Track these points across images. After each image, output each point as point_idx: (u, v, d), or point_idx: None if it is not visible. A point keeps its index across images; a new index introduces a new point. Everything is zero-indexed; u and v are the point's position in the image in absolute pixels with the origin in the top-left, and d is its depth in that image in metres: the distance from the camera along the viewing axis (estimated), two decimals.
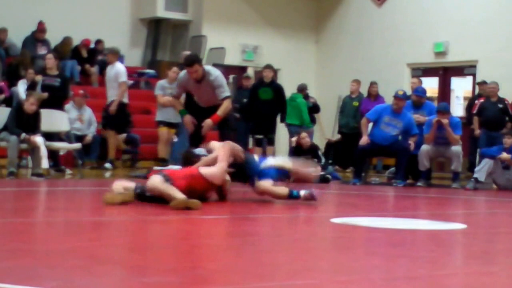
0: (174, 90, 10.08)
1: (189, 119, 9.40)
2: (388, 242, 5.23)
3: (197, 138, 9.29)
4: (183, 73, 9.44)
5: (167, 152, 13.89)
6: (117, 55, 14.00)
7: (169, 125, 13.77)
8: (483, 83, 15.39)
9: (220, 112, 9.16)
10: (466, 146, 14.57)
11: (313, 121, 17.21)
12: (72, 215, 6.52)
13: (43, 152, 10.85)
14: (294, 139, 12.70)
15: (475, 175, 11.40)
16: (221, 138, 8.75)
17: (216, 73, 9.20)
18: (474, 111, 14.64)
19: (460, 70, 18.14)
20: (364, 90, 16.75)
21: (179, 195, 6.74)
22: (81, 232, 5.32)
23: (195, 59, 9.18)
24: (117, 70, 13.57)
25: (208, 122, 9.16)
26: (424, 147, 11.74)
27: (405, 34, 18.54)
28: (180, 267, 3.93)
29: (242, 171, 7.54)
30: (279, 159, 8.03)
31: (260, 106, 13.94)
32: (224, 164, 7.22)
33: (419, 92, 12.61)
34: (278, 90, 14.21)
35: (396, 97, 11.81)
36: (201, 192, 7.15)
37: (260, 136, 14.13)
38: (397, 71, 18.53)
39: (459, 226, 6.34)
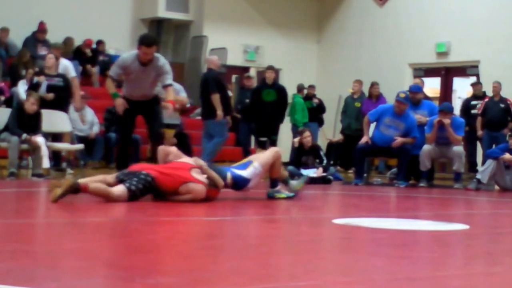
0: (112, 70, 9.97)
1: (121, 101, 9.55)
2: (390, 243, 5.22)
3: (129, 123, 9.70)
4: (129, 53, 9.48)
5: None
6: (60, 50, 13.72)
7: (167, 126, 13.68)
8: (478, 83, 15.42)
9: (171, 97, 9.35)
10: (465, 147, 14.58)
11: (318, 121, 17.20)
12: (72, 216, 6.51)
13: (44, 152, 10.86)
14: (296, 139, 12.69)
15: (477, 176, 11.38)
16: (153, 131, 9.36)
17: (165, 60, 9.42)
18: (479, 112, 14.63)
19: (462, 70, 18.13)
20: (365, 91, 16.77)
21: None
22: (81, 233, 5.31)
23: (156, 40, 9.28)
24: (64, 67, 13.29)
25: (168, 105, 9.33)
26: (426, 147, 11.73)
27: (407, 34, 18.55)
28: (182, 268, 3.92)
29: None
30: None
31: (264, 108, 13.87)
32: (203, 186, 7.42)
33: (413, 88, 12.60)
34: (281, 91, 14.19)
35: (398, 100, 11.79)
36: (164, 190, 7.38)
37: (264, 138, 14.06)
38: (399, 72, 18.54)
39: (461, 226, 6.33)
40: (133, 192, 7.30)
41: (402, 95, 11.88)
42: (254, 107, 14.17)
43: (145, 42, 9.04)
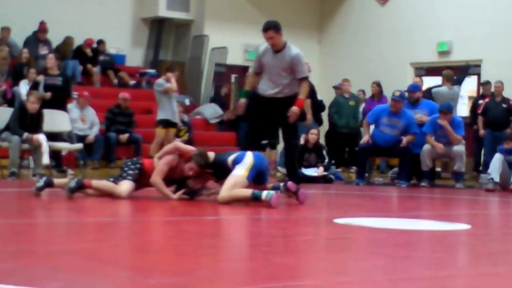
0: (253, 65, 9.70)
1: (241, 102, 9.14)
2: (392, 243, 5.23)
3: (259, 124, 9.23)
4: (265, 44, 9.18)
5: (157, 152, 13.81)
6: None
7: (169, 124, 13.65)
8: (487, 83, 15.41)
9: (302, 95, 8.79)
10: (470, 146, 14.58)
11: (318, 121, 17.16)
12: (74, 216, 6.53)
13: (45, 148, 10.85)
14: (302, 136, 12.69)
15: (491, 176, 11.30)
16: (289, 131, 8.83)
17: (298, 51, 8.86)
18: (479, 111, 14.65)
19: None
20: (367, 90, 16.77)
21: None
22: (84, 233, 5.33)
23: (271, 24, 8.82)
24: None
25: (294, 109, 8.70)
26: (426, 147, 11.73)
27: (409, 33, 18.55)
28: (185, 268, 3.93)
29: (217, 171, 7.72)
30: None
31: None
32: (157, 173, 7.66)
33: (411, 87, 12.62)
34: None
35: (393, 99, 11.86)
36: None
37: (265, 142, 13.96)
38: (401, 71, 18.53)
39: (463, 226, 6.35)
40: (134, 179, 7.68)
41: (397, 93, 11.96)
42: (252, 110, 13.98)
43: (262, 28, 8.92)
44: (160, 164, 7.67)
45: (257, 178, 7.68)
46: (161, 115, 13.60)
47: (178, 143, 8.04)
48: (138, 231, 5.54)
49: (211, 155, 7.77)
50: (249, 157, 7.68)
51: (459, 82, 14.67)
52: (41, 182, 7.77)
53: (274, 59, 8.88)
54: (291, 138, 9.02)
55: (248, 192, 7.39)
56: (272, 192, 7.34)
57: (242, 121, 15.43)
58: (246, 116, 14.72)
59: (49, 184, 7.78)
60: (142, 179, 7.74)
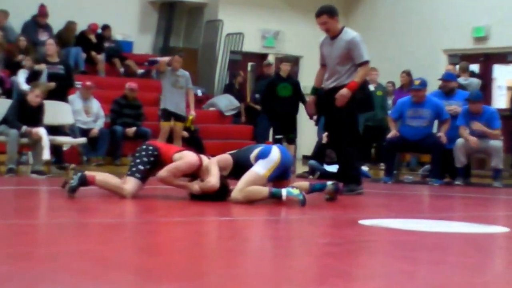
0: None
1: (311, 101, 9.14)
2: (422, 247, 5.23)
3: (329, 122, 9.05)
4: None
5: None
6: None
7: (171, 116, 13.61)
8: None
9: (357, 78, 8.71)
10: (509, 140, 14.53)
11: None
12: (77, 216, 6.57)
13: (45, 142, 10.88)
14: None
15: None
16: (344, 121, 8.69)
17: (356, 34, 8.85)
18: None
19: (503, 57, 18.05)
20: (396, 80, 16.74)
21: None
22: (87, 234, 5.36)
23: (325, 9, 8.82)
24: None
25: (343, 91, 8.66)
26: (460, 141, 11.69)
27: (442, 18, 18.50)
28: (196, 272, 3.96)
29: (239, 172, 7.62)
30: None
31: (279, 103, 13.75)
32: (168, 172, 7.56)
33: (446, 76, 12.59)
34: (297, 85, 14.14)
35: (413, 89, 11.89)
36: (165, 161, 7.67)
37: (280, 136, 13.97)
38: (433, 58, 18.50)
39: (500, 229, 6.33)
40: (143, 177, 7.60)
41: (417, 81, 12.03)
42: (268, 102, 14.03)
43: (315, 13, 8.93)
44: (177, 166, 7.53)
45: (281, 174, 7.67)
46: (161, 104, 13.60)
47: (214, 161, 7.70)
48: (145, 232, 5.57)
49: (228, 160, 7.68)
50: (275, 153, 7.54)
51: None
52: (75, 180, 7.47)
53: (331, 46, 8.90)
54: (344, 131, 8.87)
55: (264, 190, 7.39)
56: (294, 191, 7.33)
57: (262, 114, 15.42)
58: (265, 109, 14.79)
59: (83, 182, 7.53)
60: (158, 168, 7.72)
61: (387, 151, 12.13)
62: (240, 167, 7.59)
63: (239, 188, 7.41)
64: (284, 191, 7.35)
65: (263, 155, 7.52)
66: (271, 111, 13.97)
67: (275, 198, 7.38)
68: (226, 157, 7.67)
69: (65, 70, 12.72)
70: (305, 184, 8.04)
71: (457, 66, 14.80)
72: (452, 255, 4.97)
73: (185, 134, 14.48)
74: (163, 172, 7.53)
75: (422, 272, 4.21)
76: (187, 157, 7.56)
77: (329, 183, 7.93)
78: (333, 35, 8.87)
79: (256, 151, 7.57)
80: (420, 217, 7.22)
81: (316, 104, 9.20)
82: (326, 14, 8.78)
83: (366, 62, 8.82)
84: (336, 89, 8.75)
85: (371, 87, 16.38)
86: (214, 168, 7.49)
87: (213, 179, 7.42)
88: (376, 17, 19.84)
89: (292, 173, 8.99)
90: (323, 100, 9.05)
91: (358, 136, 9.17)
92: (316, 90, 9.22)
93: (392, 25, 19.44)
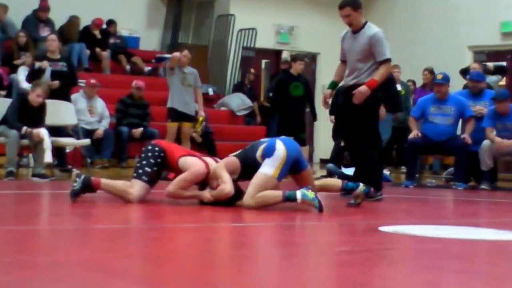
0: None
1: (327, 94, 9.10)
2: (446, 255, 5.22)
3: (346, 121, 9.01)
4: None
5: None
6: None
7: (179, 116, 13.57)
8: None
9: (377, 76, 8.68)
10: None
11: None
12: (80, 222, 6.57)
13: (47, 144, 10.87)
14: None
15: None
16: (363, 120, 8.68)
17: (378, 30, 8.88)
18: None
19: None
20: (418, 78, 16.69)
21: None
22: (91, 242, 5.36)
23: (348, 1, 8.86)
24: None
25: (361, 88, 8.63)
26: (486, 143, 11.66)
27: (467, 12, 18.45)
28: (205, 281, 3.95)
29: (248, 172, 7.59)
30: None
31: (291, 103, 13.70)
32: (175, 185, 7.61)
33: (475, 76, 12.56)
34: (308, 84, 14.13)
35: (436, 83, 11.89)
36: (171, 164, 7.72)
37: (290, 137, 13.93)
38: (457, 55, 18.45)
39: None
40: (149, 180, 7.59)
41: (440, 76, 12.07)
42: (280, 102, 13.96)
43: (338, 5, 8.93)
44: (184, 178, 7.54)
45: (293, 167, 7.63)
46: (168, 103, 13.54)
47: (222, 166, 7.68)
48: (152, 240, 5.57)
49: (236, 163, 7.62)
50: (280, 149, 7.45)
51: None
52: (78, 183, 7.46)
53: (352, 41, 8.90)
54: (363, 132, 8.82)
55: (278, 195, 7.37)
56: (310, 194, 7.30)
57: (275, 114, 15.39)
58: (278, 109, 14.77)
59: (87, 186, 7.51)
60: (165, 170, 7.73)
61: (409, 153, 12.09)
62: (249, 168, 7.55)
63: (251, 194, 7.39)
64: (299, 194, 7.32)
65: (268, 153, 7.45)
66: (284, 111, 13.91)
67: (289, 201, 7.35)
68: (233, 160, 7.63)
69: (68, 68, 12.73)
70: (338, 182, 8.03)
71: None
72: (479, 264, 4.95)
73: (199, 139, 14.52)
74: (170, 187, 7.55)
75: (447, 282, 4.20)
76: (193, 167, 7.54)
77: (362, 185, 7.91)
78: (356, 29, 8.87)
79: (260, 149, 7.50)
80: (444, 224, 7.20)
81: (331, 98, 9.20)
82: (350, 6, 8.79)
83: (388, 60, 8.80)
84: (355, 86, 8.74)
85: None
86: (224, 174, 7.47)
87: (227, 186, 7.40)
88: (397, 11, 19.81)
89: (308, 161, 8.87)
90: (341, 98, 9.03)
91: (378, 138, 9.14)
92: (334, 84, 9.20)
93: (413, 18, 19.40)
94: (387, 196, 9.23)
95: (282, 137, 7.92)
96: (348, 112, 8.93)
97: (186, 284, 3.87)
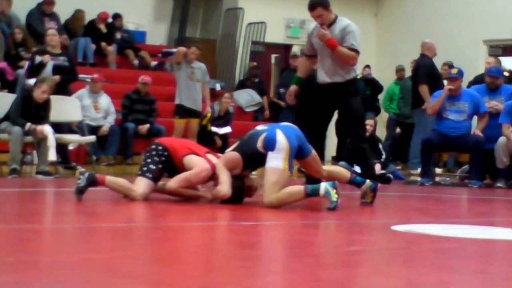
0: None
1: (291, 90, 9.14)
2: (461, 255, 5.20)
3: (314, 119, 9.04)
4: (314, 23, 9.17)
5: None
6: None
7: (187, 112, 13.56)
8: None
9: (342, 48, 8.65)
10: None
11: (375, 110, 16.96)
12: (84, 221, 6.56)
13: (51, 142, 10.89)
14: None
15: None
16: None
17: (349, 22, 8.83)
18: None
19: None
20: None
21: None
22: (95, 241, 5.35)
23: (317, 1, 8.73)
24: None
25: (324, 31, 8.65)
26: (502, 140, 11.63)
27: (482, 6, 18.41)
28: (214, 283, 3.93)
29: (249, 163, 7.56)
30: None
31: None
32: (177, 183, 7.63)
33: (493, 72, 12.54)
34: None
35: (450, 77, 11.90)
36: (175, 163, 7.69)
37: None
38: (472, 50, 18.42)
39: None
40: (154, 177, 7.58)
41: (454, 70, 12.14)
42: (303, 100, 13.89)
43: (308, 6, 8.89)
44: (187, 178, 7.55)
45: (298, 154, 7.58)
46: (176, 99, 13.57)
47: (221, 165, 7.59)
48: (158, 239, 5.55)
49: (236, 157, 7.51)
50: (281, 140, 7.32)
51: None
52: (82, 180, 7.44)
53: None
54: (354, 128, 8.94)
55: (300, 191, 7.30)
56: (333, 195, 7.20)
57: (287, 110, 15.36)
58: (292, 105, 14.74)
59: (92, 183, 7.49)
60: (170, 168, 7.72)
61: (424, 150, 12.07)
62: (251, 159, 7.49)
63: (270, 192, 7.29)
64: (322, 190, 7.23)
65: (269, 145, 7.33)
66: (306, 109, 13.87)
67: (312, 196, 7.30)
68: (232, 155, 7.56)
69: (69, 62, 12.74)
70: (346, 174, 8.01)
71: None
72: (495, 264, 4.94)
73: (219, 142, 14.55)
74: (172, 184, 7.55)
75: (463, 283, 4.18)
76: (197, 167, 7.52)
77: (368, 181, 7.90)
78: (328, 25, 8.81)
79: (261, 140, 7.38)
80: (459, 222, 7.18)
81: (296, 95, 9.22)
82: (321, 6, 8.72)
83: (357, 52, 8.77)
84: (335, 85, 8.74)
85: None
86: (222, 175, 7.44)
87: (223, 188, 7.40)
88: (409, 4, 19.78)
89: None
90: (319, 98, 9.01)
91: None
92: (299, 80, 9.22)
93: (427, 11, 19.37)
94: (400, 194, 9.22)
95: (282, 124, 7.81)
96: (328, 112, 8.99)
97: (195, 285, 3.85)
